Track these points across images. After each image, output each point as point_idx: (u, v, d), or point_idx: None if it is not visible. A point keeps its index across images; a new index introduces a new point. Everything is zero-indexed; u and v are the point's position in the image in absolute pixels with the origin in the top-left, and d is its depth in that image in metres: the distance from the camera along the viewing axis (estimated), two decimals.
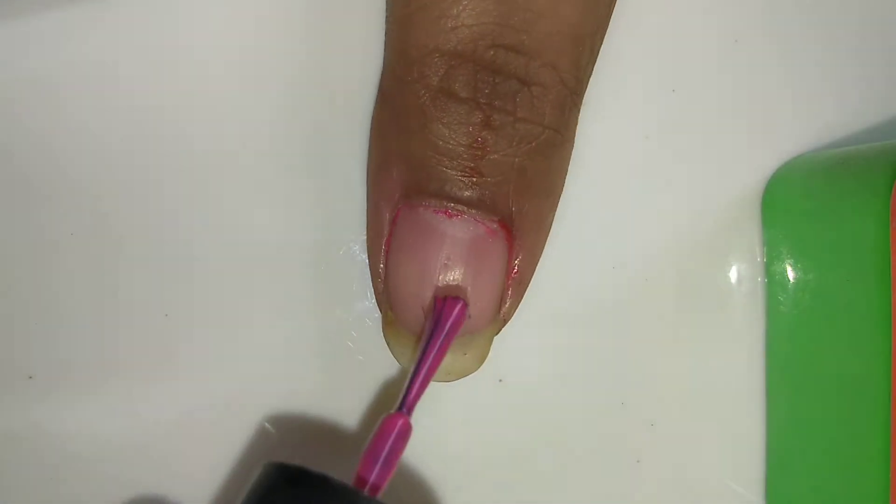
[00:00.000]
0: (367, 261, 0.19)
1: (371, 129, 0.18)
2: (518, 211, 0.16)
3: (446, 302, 0.16)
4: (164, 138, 0.18)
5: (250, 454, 0.19)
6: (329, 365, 0.19)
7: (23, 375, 0.18)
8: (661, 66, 0.20)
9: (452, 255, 0.16)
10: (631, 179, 0.20)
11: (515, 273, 0.17)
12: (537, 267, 0.19)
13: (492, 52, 0.15)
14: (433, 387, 0.19)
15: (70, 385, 0.18)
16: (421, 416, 0.19)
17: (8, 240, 0.18)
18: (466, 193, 0.16)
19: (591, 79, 0.19)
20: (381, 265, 0.17)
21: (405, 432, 0.16)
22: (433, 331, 0.16)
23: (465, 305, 0.16)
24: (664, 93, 0.20)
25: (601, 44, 0.17)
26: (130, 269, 0.18)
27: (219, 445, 0.19)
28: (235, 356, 0.19)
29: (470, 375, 0.19)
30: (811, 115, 0.20)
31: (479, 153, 0.16)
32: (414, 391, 0.16)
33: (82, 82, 0.18)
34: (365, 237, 0.19)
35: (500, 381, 0.19)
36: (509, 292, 0.17)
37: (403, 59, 0.16)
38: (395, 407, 0.16)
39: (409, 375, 0.16)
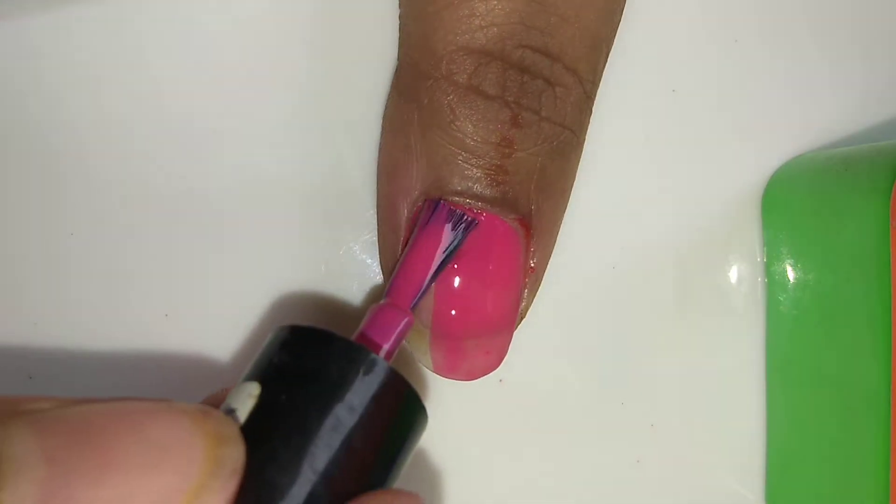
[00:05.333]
0: (366, 261, 0.19)
1: (384, 126, 0.18)
2: (537, 209, 0.16)
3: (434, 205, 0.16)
4: (164, 139, 0.18)
5: None
6: None
7: (23, 375, 0.18)
8: (661, 66, 0.20)
9: (474, 253, 0.16)
10: (631, 179, 0.20)
11: (532, 270, 0.17)
12: None
13: (520, 52, 0.15)
14: (433, 386, 0.19)
15: (70, 385, 0.18)
16: None
17: (8, 240, 0.18)
18: (491, 191, 0.16)
19: None
20: (398, 263, 0.17)
21: (409, 327, 0.16)
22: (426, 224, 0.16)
23: (453, 217, 0.16)
24: (664, 93, 0.20)
25: (611, 49, 0.17)
26: (130, 269, 0.18)
27: None
28: (236, 357, 0.19)
29: None
30: (811, 115, 0.20)
31: (507, 151, 0.16)
32: (416, 287, 0.16)
33: (85, 82, 0.18)
34: (365, 237, 0.19)
35: (500, 381, 0.19)
36: (526, 289, 0.17)
37: (428, 56, 0.16)
38: (388, 299, 0.16)
39: (404, 270, 0.16)
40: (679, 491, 0.20)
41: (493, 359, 0.17)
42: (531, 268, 0.17)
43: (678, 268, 0.20)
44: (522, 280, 0.17)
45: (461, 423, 0.20)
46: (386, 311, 0.15)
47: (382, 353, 0.15)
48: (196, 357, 0.19)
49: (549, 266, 0.18)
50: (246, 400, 0.13)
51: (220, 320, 0.19)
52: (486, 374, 0.18)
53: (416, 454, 0.19)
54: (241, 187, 0.18)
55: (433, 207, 0.16)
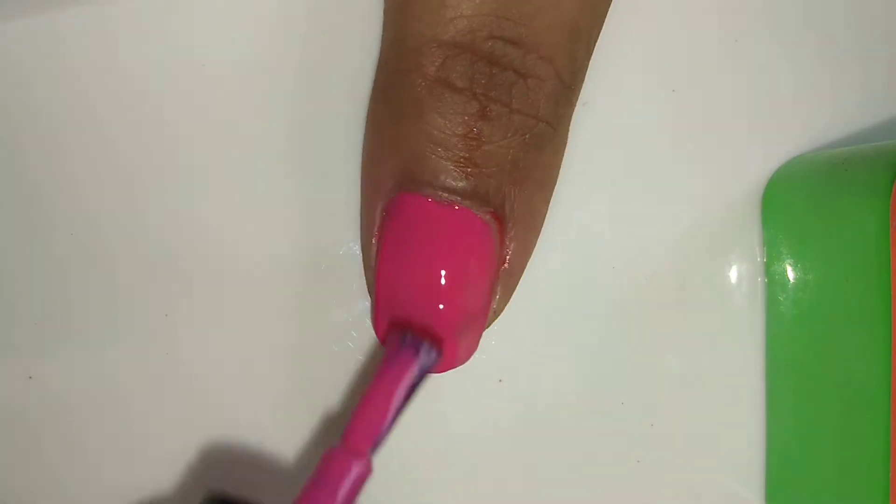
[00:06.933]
0: None
1: (366, 122, 0.18)
2: (510, 202, 0.16)
3: (405, 342, 0.15)
4: (164, 139, 0.18)
5: (252, 453, 0.19)
6: (329, 365, 0.19)
7: (23, 375, 0.18)
8: (661, 66, 0.20)
9: (445, 247, 0.16)
10: (631, 179, 0.20)
11: (506, 265, 0.17)
12: (538, 266, 0.19)
13: (489, 44, 0.15)
14: (433, 386, 0.19)
15: (70, 385, 0.18)
16: (421, 416, 0.19)
17: (8, 240, 0.18)
18: (461, 184, 0.16)
19: (592, 79, 0.19)
20: (373, 257, 0.17)
21: (364, 477, 0.14)
22: (385, 366, 0.15)
23: (421, 350, 0.15)
24: (664, 93, 0.20)
25: (597, 40, 0.17)
26: (130, 268, 0.18)
27: (220, 445, 0.19)
28: (236, 356, 0.19)
29: (470, 375, 0.19)
30: (811, 114, 0.20)
31: (475, 143, 0.16)
32: (376, 429, 0.14)
33: (84, 83, 0.18)
34: None
35: (500, 381, 0.19)
36: (499, 285, 0.17)
37: (400, 48, 0.16)
38: (343, 442, 0.14)
39: (365, 407, 0.14)
40: (679, 491, 0.20)
41: (462, 353, 0.17)
42: (505, 263, 0.17)
43: (678, 268, 0.20)
44: (494, 275, 0.17)
45: (461, 423, 0.20)
46: (336, 459, 0.14)
47: None
48: (196, 357, 0.19)
49: (548, 266, 0.18)
50: None
51: (220, 320, 0.19)
52: (451, 369, 0.17)
53: (416, 453, 0.19)
54: (241, 188, 0.18)
55: (399, 340, 0.15)
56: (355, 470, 0.14)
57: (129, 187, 0.18)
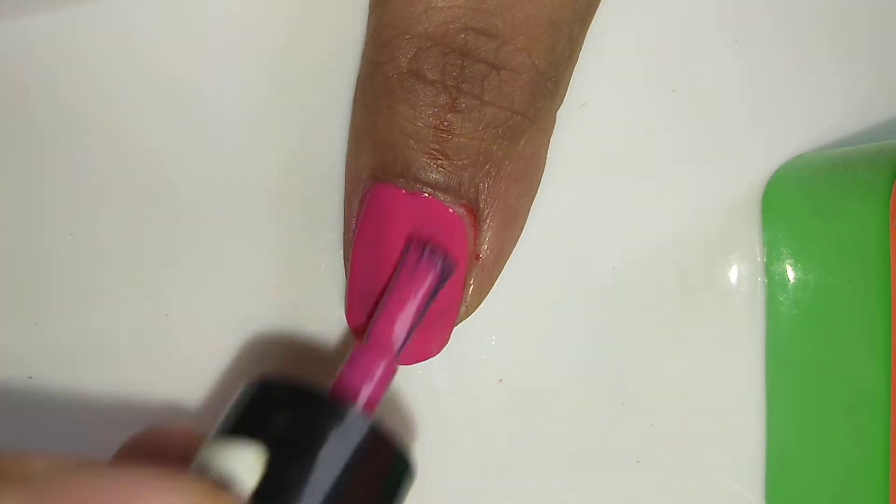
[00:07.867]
0: None
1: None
2: (485, 195, 0.16)
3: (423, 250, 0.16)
4: (163, 140, 0.18)
5: None
6: (330, 365, 0.19)
7: (23, 375, 0.18)
8: (661, 66, 0.20)
9: (414, 238, 0.16)
10: (631, 179, 0.20)
11: (479, 258, 0.17)
12: (538, 266, 0.19)
13: (462, 36, 0.15)
14: (433, 387, 0.19)
15: (70, 386, 0.18)
16: (421, 416, 0.19)
17: (9, 241, 0.18)
18: (433, 176, 0.16)
19: (592, 79, 0.19)
20: (350, 246, 0.17)
21: (391, 375, 0.15)
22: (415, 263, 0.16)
23: (440, 261, 0.16)
24: (664, 93, 0.20)
25: (583, 34, 0.17)
26: (132, 269, 0.18)
27: None
28: (237, 357, 0.19)
29: (470, 375, 0.19)
30: (811, 115, 0.20)
31: (446, 135, 0.16)
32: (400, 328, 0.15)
33: (79, 82, 0.18)
34: None
35: (501, 381, 0.19)
36: (471, 278, 0.17)
37: (376, 41, 0.16)
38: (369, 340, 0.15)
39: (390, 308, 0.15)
40: (679, 491, 0.20)
41: (432, 345, 0.17)
42: (479, 256, 0.17)
43: (678, 268, 0.20)
44: (466, 267, 0.17)
45: (461, 423, 0.20)
46: (366, 354, 0.15)
47: (362, 401, 0.15)
48: (197, 357, 0.19)
49: (548, 266, 0.18)
50: (248, 470, 0.13)
51: (221, 320, 0.19)
52: (423, 360, 0.17)
53: (416, 453, 0.19)
54: (244, 189, 0.18)
55: (419, 251, 0.16)
56: (383, 366, 0.15)
57: (131, 190, 0.18)
